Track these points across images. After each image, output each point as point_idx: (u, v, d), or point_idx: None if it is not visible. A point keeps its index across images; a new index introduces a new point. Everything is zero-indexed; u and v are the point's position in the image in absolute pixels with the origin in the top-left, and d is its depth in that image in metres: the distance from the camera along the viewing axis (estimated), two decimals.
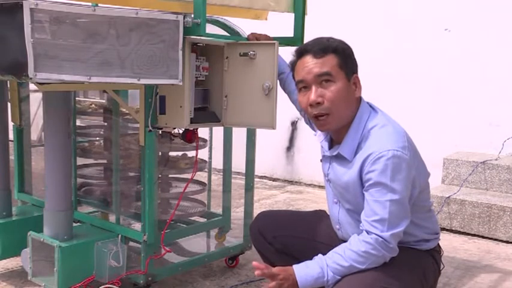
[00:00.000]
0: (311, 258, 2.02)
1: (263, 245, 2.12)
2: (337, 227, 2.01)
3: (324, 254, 1.95)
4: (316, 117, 1.81)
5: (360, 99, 1.86)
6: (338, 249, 1.78)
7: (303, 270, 1.77)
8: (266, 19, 2.82)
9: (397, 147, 1.72)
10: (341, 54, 1.80)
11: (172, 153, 2.77)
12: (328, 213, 2.09)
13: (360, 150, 1.79)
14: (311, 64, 1.79)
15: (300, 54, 1.85)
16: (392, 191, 1.71)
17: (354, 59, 1.84)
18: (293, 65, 1.89)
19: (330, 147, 1.95)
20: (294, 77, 1.91)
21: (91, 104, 2.82)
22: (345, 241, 1.94)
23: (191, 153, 2.69)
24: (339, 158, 1.87)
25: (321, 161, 2.02)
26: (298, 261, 2.03)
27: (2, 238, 2.55)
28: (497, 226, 3.48)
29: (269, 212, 2.33)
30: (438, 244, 1.98)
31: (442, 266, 1.98)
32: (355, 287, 1.71)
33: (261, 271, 1.75)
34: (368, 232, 1.73)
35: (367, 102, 1.89)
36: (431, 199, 1.98)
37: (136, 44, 1.89)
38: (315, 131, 2.10)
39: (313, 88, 1.79)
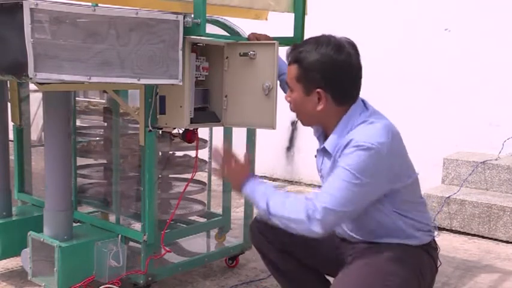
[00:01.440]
0: (311, 257, 2.04)
1: (263, 244, 2.12)
2: None
3: (325, 252, 1.99)
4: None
5: (341, 109, 1.84)
6: (284, 194, 1.83)
7: (257, 182, 1.88)
8: (266, 19, 2.82)
9: (375, 141, 1.71)
10: (301, 67, 1.81)
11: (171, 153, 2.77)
12: None
13: (341, 143, 1.80)
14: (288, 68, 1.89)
15: None
16: (353, 176, 1.70)
17: (326, 74, 1.78)
18: None
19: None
20: None
21: (92, 105, 2.82)
22: (341, 236, 1.97)
23: (191, 153, 2.70)
24: (326, 152, 1.89)
25: (315, 156, 2.04)
26: (299, 261, 2.06)
27: (2, 238, 2.55)
28: (497, 226, 3.49)
29: None
30: (434, 241, 1.97)
31: (439, 263, 1.98)
32: (352, 282, 1.72)
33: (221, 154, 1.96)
34: (313, 198, 1.74)
35: (362, 101, 1.88)
36: (423, 197, 1.96)
37: (136, 44, 1.89)
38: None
39: (289, 89, 1.91)
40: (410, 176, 1.86)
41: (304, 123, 1.96)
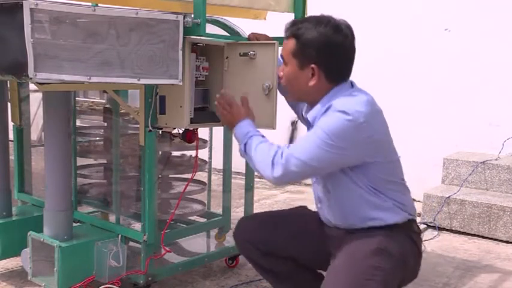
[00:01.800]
0: (298, 253, 2.05)
1: (250, 251, 2.12)
2: (318, 206, 2.05)
3: (310, 247, 2.03)
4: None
5: (328, 86, 1.89)
6: (267, 140, 1.92)
7: (245, 124, 1.98)
8: (265, 19, 2.83)
9: (353, 109, 1.77)
10: (299, 42, 1.87)
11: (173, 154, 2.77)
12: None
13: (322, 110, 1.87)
14: (283, 43, 1.94)
15: None
16: (326, 136, 1.75)
17: (322, 51, 1.84)
18: None
19: None
20: None
21: (92, 105, 2.82)
22: (325, 222, 2.01)
23: (190, 153, 2.70)
24: (308, 125, 1.96)
25: None
26: (288, 260, 2.06)
27: (2, 238, 2.55)
28: (497, 226, 3.49)
29: (250, 217, 2.37)
30: (417, 224, 1.98)
31: (423, 248, 2.01)
32: (341, 281, 1.74)
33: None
34: (285, 147, 1.84)
35: (351, 82, 1.93)
36: (403, 180, 1.97)
37: (136, 44, 1.89)
38: (299, 113, 2.21)
39: (282, 64, 1.96)
40: (387, 154, 1.90)
41: (292, 98, 2.05)
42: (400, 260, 1.84)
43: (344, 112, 1.75)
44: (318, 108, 1.89)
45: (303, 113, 2.10)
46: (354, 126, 1.75)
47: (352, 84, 1.92)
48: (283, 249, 2.05)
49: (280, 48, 2.12)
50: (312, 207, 2.16)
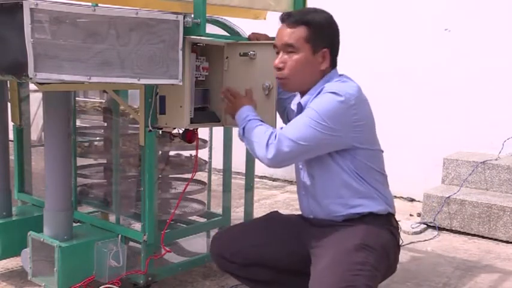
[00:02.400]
0: (277, 259, 2.06)
1: (226, 265, 2.13)
2: (302, 193, 2.08)
3: (287, 250, 2.04)
4: (278, 79, 2.00)
5: (328, 70, 1.96)
6: (265, 124, 1.96)
7: (246, 110, 2.02)
8: (265, 19, 2.83)
9: (344, 91, 1.84)
10: (312, 28, 1.91)
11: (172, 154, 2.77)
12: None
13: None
14: (283, 33, 1.94)
15: (280, 20, 1.99)
16: (318, 116, 1.81)
17: (330, 35, 1.95)
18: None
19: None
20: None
21: (92, 105, 2.82)
22: (305, 212, 2.06)
23: (189, 153, 2.70)
24: (299, 111, 1.97)
25: None
26: (269, 268, 2.06)
27: (2, 238, 2.55)
28: (497, 226, 3.49)
29: (221, 231, 2.40)
30: (395, 219, 2.01)
31: (401, 242, 2.06)
32: (328, 280, 1.74)
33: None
34: (279, 130, 1.89)
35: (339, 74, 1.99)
36: (384, 172, 2.01)
37: (136, 44, 1.89)
38: (286, 120, 2.23)
39: (280, 54, 1.96)
40: (373, 143, 1.95)
41: (290, 87, 2.02)
42: (382, 253, 1.86)
43: (336, 93, 1.82)
44: (310, 92, 1.94)
45: (291, 105, 2.16)
46: (345, 108, 1.81)
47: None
48: (258, 258, 2.05)
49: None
50: None
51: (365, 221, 1.90)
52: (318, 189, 1.98)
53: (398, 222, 2.07)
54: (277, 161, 1.86)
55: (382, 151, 2.01)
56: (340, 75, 1.98)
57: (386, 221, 1.95)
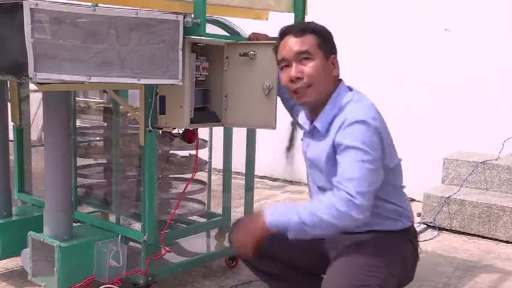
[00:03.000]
0: (296, 257, 2.04)
1: None
2: None
3: (307, 250, 2.00)
4: (295, 91, 1.91)
5: (338, 79, 1.96)
6: (310, 202, 1.87)
7: (273, 215, 1.81)
8: (267, 19, 2.82)
9: (367, 116, 1.81)
10: (320, 35, 1.90)
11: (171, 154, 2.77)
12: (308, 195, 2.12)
13: (334, 122, 1.87)
14: (292, 43, 1.90)
15: (281, 35, 1.95)
16: (364, 152, 1.76)
17: (333, 42, 1.95)
18: (276, 48, 1.97)
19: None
20: (277, 59, 1.98)
21: (92, 105, 2.82)
22: None
23: (188, 152, 2.70)
24: (315, 133, 1.95)
25: (302, 139, 2.08)
26: (283, 263, 2.05)
27: (2, 238, 2.55)
28: (497, 226, 3.48)
29: (245, 219, 2.34)
30: (414, 229, 2.00)
31: (420, 250, 2.03)
32: (340, 277, 1.74)
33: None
34: (338, 189, 1.75)
35: (347, 85, 1.97)
36: (403, 183, 1.99)
37: (136, 44, 1.89)
38: (295, 118, 2.17)
39: (294, 65, 1.89)
40: (395, 158, 1.93)
41: (311, 97, 1.90)
42: (400, 260, 1.86)
43: (364, 122, 1.78)
44: (323, 117, 1.90)
45: (297, 119, 2.11)
46: (376, 134, 1.79)
47: (343, 82, 1.98)
48: (279, 252, 2.03)
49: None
50: None
51: (386, 231, 1.90)
52: None
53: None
54: (366, 215, 1.75)
55: (400, 162, 1.98)
56: (347, 86, 1.96)
57: (406, 232, 1.95)
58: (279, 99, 2.31)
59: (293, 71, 1.88)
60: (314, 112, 1.96)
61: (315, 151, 1.94)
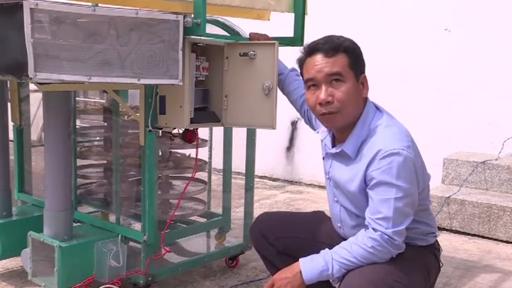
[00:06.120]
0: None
1: (265, 246, 2.12)
2: (338, 225, 2.02)
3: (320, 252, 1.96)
4: (323, 115, 1.83)
5: (366, 99, 1.89)
6: (344, 244, 1.80)
7: (308, 265, 1.78)
8: (269, 19, 2.82)
9: (402, 146, 1.74)
10: (351, 54, 1.81)
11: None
12: (329, 213, 2.09)
13: (364, 148, 1.81)
14: (322, 63, 1.80)
15: (310, 51, 1.85)
16: (397, 189, 1.72)
17: (363, 58, 1.86)
18: (301, 62, 1.90)
19: (333, 145, 1.97)
20: (302, 75, 1.92)
21: (92, 105, 2.82)
22: (346, 239, 1.94)
23: (187, 152, 2.69)
24: (342, 156, 1.88)
25: (323, 158, 2.03)
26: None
27: (2, 238, 2.55)
28: (497, 226, 3.49)
29: (270, 213, 2.33)
30: (437, 242, 1.99)
31: (441, 264, 2.00)
32: (367, 278, 1.72)
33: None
34: (374, 230, 1.75)
35: (373, 103, 1.91)
36: (430, 198, 1.99)
37: (136, 44, 1.89)
38: (315, 129, 2.12)
39: (323, 87, 1.80)
40: (427, 179, 1.91)
41: (340, 123, 1.84)
42: (424, 271, 1.85)
43: (397, 153, 1.72)
44: (353, 141, 1.83)
45: (317, 132, 2.08)
46: (410, 162, 1.75)
47: (370, 101, 1.90)
48: (298, 251, 2.01)
49: (280, 48, 2.13)
50: (315, 207, 2.16)
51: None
52: (359, 228, 1.88)
53: None
54: (402, 247, 1.78)
55: (429, 177, 1.95)
56: (374, 105, 1.89)
57: (431, 245, 1.94)
58: (284, 98, 2.31)
59: (323, 94, 1.80)
60: (340, 133, 1.89)
61: (342, 175, 1.89)
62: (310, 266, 1.78)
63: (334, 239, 2.02)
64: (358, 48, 1.85)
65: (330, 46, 1.81)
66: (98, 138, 2.97)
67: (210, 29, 2.16)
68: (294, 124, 4.96)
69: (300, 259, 1.82)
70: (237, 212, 3.44)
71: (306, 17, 2.43)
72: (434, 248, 1.96)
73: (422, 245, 1.91)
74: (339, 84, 1.80)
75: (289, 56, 2.22)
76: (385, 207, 1.74)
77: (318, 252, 1.86)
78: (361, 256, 1.74)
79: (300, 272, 1.78)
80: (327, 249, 1.82)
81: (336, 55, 1.80)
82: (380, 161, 1.74)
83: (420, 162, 1.87)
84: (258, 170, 2.84)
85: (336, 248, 1.80)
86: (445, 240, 3.50)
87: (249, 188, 2.81)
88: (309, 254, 1.93)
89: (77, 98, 2.70)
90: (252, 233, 2.17)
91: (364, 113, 1.85)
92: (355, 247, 1.76)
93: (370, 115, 1.85)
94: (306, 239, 2.07)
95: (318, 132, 2.08)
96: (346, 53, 1.80)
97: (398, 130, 1.81)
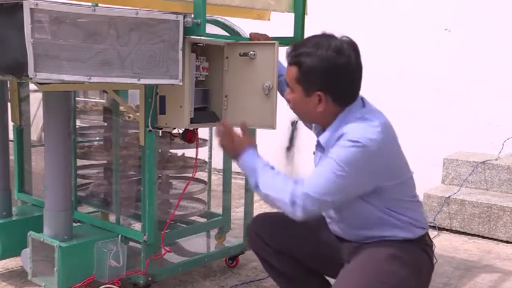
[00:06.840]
0: (310, 258, 2.03)
1: (260, 246, 2.12)
2: (328, 221, 2.03)
3: (322, 251, 2.00)
4: None
5: (338, 110, 1.84)
6: (276, 174, 1.83)
7: (249, 156, 1.88)
8: (269, 19, 2.82)
9: (366, 137, 1.71)
10: (302, 70, 1.80)
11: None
12: None
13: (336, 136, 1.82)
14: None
15: None
16: (339, 167, 1.70)
17: (325, 77, 1.78)
18: None
19: None
20: None
21: (92, 105, 2.82)
22: (336, 234, 1.99)
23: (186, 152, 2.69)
24: (320, 147, 1.92)
25: (314, 153, 2.05)
26: (298, 262, 2.05)
27: (2, 238, 2.55)
28: (497, 226, 3.49)
29: (265, 214, 2.34)
30: (429, 237, 1.98)
31: (435, 260, 2.00)
32: (353, 282, 1.73)
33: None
34: (299, 183, 1.76)
35: (361, 98, 1.87)
36: (415, 196, 1.94)
37: (136, 44, 1.89)
38: (311, 128, 2.14)
39: (287, 89, 1.89)
40: (401, 176, 1.86)
41: (304, 121, 2.00)
42: (415, 268, 1.83)
43: (356, 142, 1.70)
44: (328, 133, 1.84)
45: (312, 129, 2.08)
46: (367, 156, 1.71)
47: (363, 101, 1.87)
48: (294, 250, 2.03)
49: (280, 48, 2.13)
50: None
51: (399, 240, 1.88)
52: (345, 222, 1.92)
53: None
54: (308, 216, 1.77)
55: (412, 175, 1.92)
56: (364, 106, 1.86)
57: (420, 241, 1.92)
58: (279, 97, 2.31)
59: (285, 94, 1.91)
60: (323, 128, 1.92)
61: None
62: (249, 160, 1.87)
63: (329, 236, 2.02)
64: (323, 66, 1.76)
65: (289, 53, 1.85)
66: (98, 138, 2.97)
67: (210, 29, 2.16)
68: (294, 124, 4.96)
69: (249, 150, 1.89)
70: (237, 212, 3.44)
71: (306, 17, 2.43)
72: (425, 244, 1.93)
73: (410, 237, 1.88)
74: (291, 91, 1.87)
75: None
76: (318, 173, 1.77)
77: (314, 250, 1.92)
78: (271, 186, 1.79)
79: (241, 154, 1.88)
80: (260, 161, 1.86)
81: (290, 66, 1.84)
82: (339, 142, 1.74)
83: (391, 160, 1.82)
84: None
85: (265, 170, 1.83)
86: (445, 240, 3.50)
87: (249, 188, 2.81)
88: (305, 253, 1.98)
89: (77, 98, 2.70)
90: (249, 234, 2.18)
91: (345, 111, 1.83)
92: (276, 182, 1.79)
93: (351, 112, 1.82)
94: (302, 237, 2.07)
95: (312, 129, 2.09)
96: (298, 67, 1.80)
97: (374, 123, 1.76)
